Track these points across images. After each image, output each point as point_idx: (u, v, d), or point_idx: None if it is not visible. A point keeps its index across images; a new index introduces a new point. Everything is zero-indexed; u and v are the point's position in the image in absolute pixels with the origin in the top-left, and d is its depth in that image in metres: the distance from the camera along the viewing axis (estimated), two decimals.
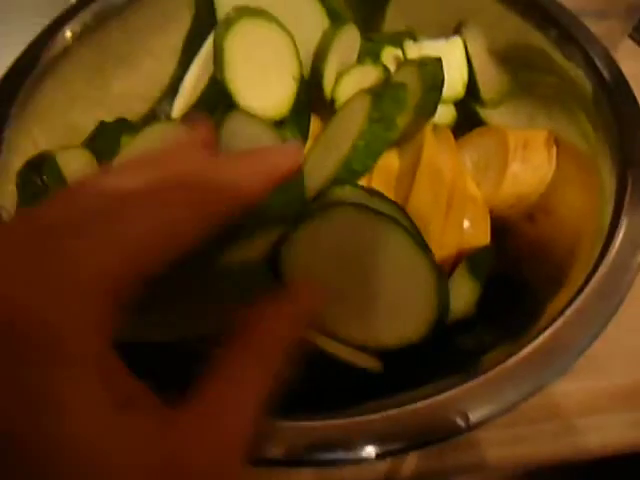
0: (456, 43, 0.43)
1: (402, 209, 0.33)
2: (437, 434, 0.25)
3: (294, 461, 0.25)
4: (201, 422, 0.19)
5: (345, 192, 0.34)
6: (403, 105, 0.36)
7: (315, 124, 0.40)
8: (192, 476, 0.18)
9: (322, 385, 0.30)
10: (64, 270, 0.18)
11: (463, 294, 0.33)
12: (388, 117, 0.35)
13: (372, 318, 0.31)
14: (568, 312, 0.27)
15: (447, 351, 0.32)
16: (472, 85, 0.44)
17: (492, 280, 0.34)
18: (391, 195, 0.36)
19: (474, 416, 0.25)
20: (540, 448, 0.36)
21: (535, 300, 0.31)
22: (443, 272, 0.31)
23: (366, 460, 0.25)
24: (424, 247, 0.31)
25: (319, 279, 0.32)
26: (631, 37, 0.53)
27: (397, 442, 0.25)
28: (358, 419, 0.25)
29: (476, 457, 0.36)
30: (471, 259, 0.34)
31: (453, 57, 0.43)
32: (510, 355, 0.26)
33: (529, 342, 0.27)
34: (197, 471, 0.18)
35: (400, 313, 0.30)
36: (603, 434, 0.36)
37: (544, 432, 0.37)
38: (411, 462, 0.36)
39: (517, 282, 0.35)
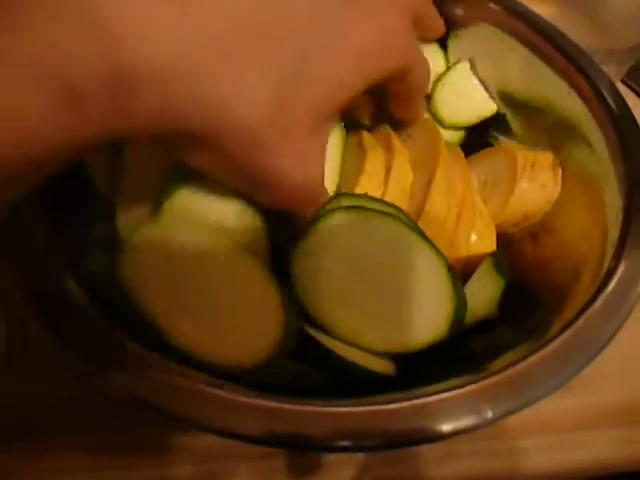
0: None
1: (402, 210, 0.34)
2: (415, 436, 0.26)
3: (270, 441, 0.26)
4: None
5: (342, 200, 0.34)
6: None
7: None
8: None
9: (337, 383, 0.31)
10: None
11: (487, 291, 0.34)
12: None
13: (391, 322, 0.31)
14: (582, 318, 0.28)
15: (463, 352, 0.33)
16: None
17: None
18: (405, 208, 0.36)
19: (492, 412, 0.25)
20: (534, 462, 0.37)
21: (544, 310, 0.32)
22: (454, 268, 0.32)
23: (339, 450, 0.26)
24: (430, 243, 0.32)
25: (333, 285, 0.32)
26: (623, 82, 0.56)
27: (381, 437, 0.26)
28: (341, 410, 0.26)
29: (467, 469, 0.36)
30: (495, 255, 0.34)
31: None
32: (527, 355, 0.27)
33: (544, 345, 0.28)
34: None
35: (421, 313, 0.30)
36: (596, 450, 0.37)
37: (538, 446, 0.37)
38: (382, 470, 0.36)
39: (525, 293, 0.36)
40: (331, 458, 0.36)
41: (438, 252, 0.31)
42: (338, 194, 0.33)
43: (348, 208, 0.31)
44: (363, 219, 0.31)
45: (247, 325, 0.29)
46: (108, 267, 0.31)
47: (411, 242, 0.31)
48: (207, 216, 0.31)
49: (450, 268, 0.31)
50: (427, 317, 0.31)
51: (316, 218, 0.31)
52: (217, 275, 0.30)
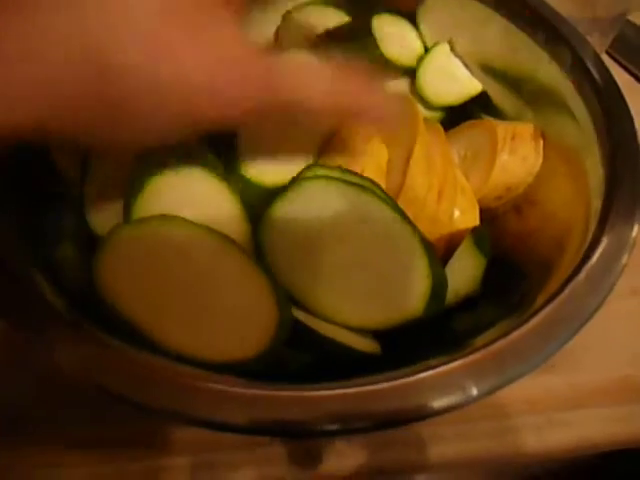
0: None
1: (376, 183, 0.33)
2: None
3: (256, 429, 0.25)
4: None
5: (316, 171, 0.33)
6: None
7: None
8: None
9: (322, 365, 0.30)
10: None
11: (469, 269, 0.33)
12: None
13: (367, 297, 0.30)
14: (564, 292, 0.27)
15: (445, 332, 0.32)
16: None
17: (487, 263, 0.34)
18: (382, 185, 0.35)
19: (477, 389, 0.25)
20: (522, 442, 0.36)
21: (528, 283, 0.31)
22: (431, 244, 0.31)
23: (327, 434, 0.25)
24: (405, 218, 0.31)
25: (303, 259, 0.31)
26: (608, 53, 0.55)
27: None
28: (325, 393, 0.25)
29: (457, 450, 0.36)
30: (475, 233, 0.34)
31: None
32: (510, 331, 0.26)
33: (527, 319, 0.27)
34: None
35: (394, 287, 0.29)
36: (583, 429, 0.36)
37: (525, 426, 0.36)
38: (374, 456, 0.36)
39: (510, 267, 0.35)
40: (327, 445, 0.35)
41: (413, 227, 0.30)
42: (311, 165, 0.32)
43: (319, 177, 0.30)
44: (335, 189, 0.30)
45: (239, 320, 0.28)
46: (79, 262, 0.30)
47: (385, 215, 0.30)
48: (182, 209, 0.30)
49: (426, 244, 0.30)
50: (403, 293, 0.30)
51: (287, 186, 0.30)
52: (202, 270, 0.28)
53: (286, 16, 0.42)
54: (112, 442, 0.35)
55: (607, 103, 0.35)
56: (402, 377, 0.25)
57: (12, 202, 0.32)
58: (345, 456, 0.35)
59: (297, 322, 0.29)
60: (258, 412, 0.24)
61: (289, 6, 0.42)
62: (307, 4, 0.42)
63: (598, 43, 0.52)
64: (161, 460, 0.34)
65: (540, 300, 0.28)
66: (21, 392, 0.35)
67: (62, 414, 0.35)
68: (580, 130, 0.35)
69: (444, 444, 0.35)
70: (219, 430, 0.24)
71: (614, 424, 0.37)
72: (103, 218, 0.33)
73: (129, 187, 0.31)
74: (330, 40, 0.40)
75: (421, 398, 0.25)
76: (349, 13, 0.43)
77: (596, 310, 0.27)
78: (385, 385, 0.25)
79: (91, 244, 0.32)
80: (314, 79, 0.27)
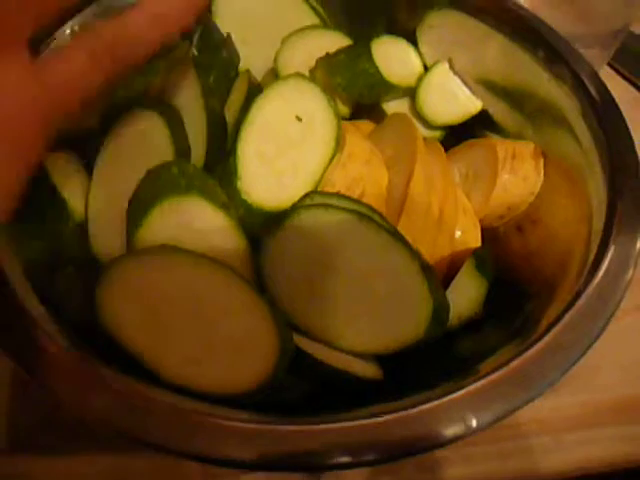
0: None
1: (373, 209, 0.32)
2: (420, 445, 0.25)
3: (265, 466, 0.24)
4: None
5: (314, 198, 0.33)
6: None
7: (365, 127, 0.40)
8: None
9: (323, 391, 0.29)
10: None
11: (471, 292, 0.33)
12: None
13: (368, 322, 0.30)
14: (567, 315, 0.27)
15: (449, 356, 0.32)
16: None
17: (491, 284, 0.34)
18: (383, 208, 0.35)
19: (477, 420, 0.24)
20: (529, 463, 0.36)
21: (532, 304, 0.31)
22: (432, 268, 0.31)
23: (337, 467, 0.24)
24: (405, 243, 0.31)
25: (304, 287, 0.31)
26: (610, 65, 0.55)
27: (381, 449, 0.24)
28: (334, 426, 0.25)
29: (463, 472, 0.35)
30: (477, 256, 0.34)
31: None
32: (514, 357, 0.26)
33: (531, 345, 0.26)
34: None
35: (395, 312, 0.29)
36: (591, 449, 0.36)
37: (533, 447, 0.36)
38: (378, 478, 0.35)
39: (513, 288, 0.35)
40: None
41: (413, 252, 0.30)
42: (310, 192, 0.32)
43: (318, 206, 0.30)
44: (334, 218, 0.30)
45: (240, 351, 0.28)
46: (81, 290, 0.30)
47: (384, 242, 0.30)
48: (184, 238, 0.30)
49: (427, 269, 0.30)
50: (405, 317, 0.30)
51: (286, 214, 0.30)
52: (203, 300, 0.28)
53: (286, 40, 0.42)
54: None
55: (605, 121, 0.35)
56: (407, 408, 0.25)
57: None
58: (347, 478, 0.35)
59: (298, 349, 0.29)
60: (263, 447, 0.24)
61: (289, 30, 0.42)
62: (307, 28, 0.42)
63: (599, 56, 0.52)
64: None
65: (544, 323, 0.28)
66: (32, 415, 0.36)
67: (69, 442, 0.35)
68: (581, 148, 0.35)
69: (451, 466, 0.35)
70: (223, 466, 0.24)
71: (625, 444, 0.36)
72: (106, 245, 0.33)
73: (131, 216, 0.32)
74: (330, 63, 0.41)
75: (428, 430, 0.25)
76: (350, 36, 0.43)
77: (599, 334, 0.27)
78: (394, 416, 0.25)
79: (92, 271, 0.32)
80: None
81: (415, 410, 0.25)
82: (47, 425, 0.35)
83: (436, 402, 0.25)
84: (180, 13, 0.27)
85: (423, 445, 0.25)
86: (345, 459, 0.24)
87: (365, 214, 0.30)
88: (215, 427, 0.24)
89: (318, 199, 0.31)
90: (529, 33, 0.40)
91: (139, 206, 0.31)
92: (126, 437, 0.24)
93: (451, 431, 0.25)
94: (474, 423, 0.24)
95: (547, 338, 0.27)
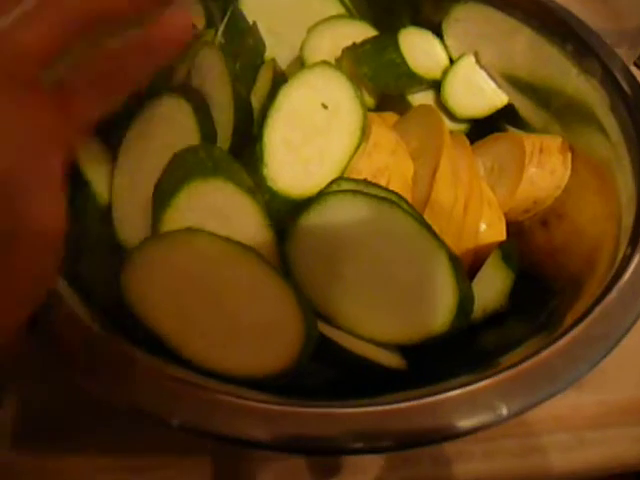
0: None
1: (401, 197, 0.32)
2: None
3: (281, 447, 0.25)
4: None
5: (342, 184, 0.33)
6: None
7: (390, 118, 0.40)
8: None
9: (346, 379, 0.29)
10: None
11: (497, 284, 0.32)
12: None
13: (392, 312, 0.30)
14: (597, 309, 0.27)
15: (472, 349, 0.31)
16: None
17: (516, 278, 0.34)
18: (408, 199, 0.35)
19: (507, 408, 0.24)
20: (550, 461, 0.35)
21: (558, 300, 0.31)
22: (459, 258, 0.30)
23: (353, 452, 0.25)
24: (432, 231, 0.30)
25: (329, 273, 0.31)
26: (636, 65, 0.54)
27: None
28: (351, 410, 0.25)
29: (484, 468, 0.35)
30: (503, 247, 0.33)
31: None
32: (541, 349, 0.26)
33: (558, 338, 0.26)
34: None
35: (420, 302, 0.29)
36: (613, 448, 0.35)
37: (554, 445, 0.36)
38: (397, 472, 0.35)
39: (539, 283, 0.34)
40: (352, 458, 0.35)
41: (440, 241, 0.30)
42: (338, 178, 0.32)
43: (345, 191, 0.30)
44: (361, 204, 0.30)
45: (266, 335, 0.28)
46: (106, 274, 0.30)
47: (411, 230, 0.30)
48: (209, 222, 0.30)
49: (453, 258, 0.30)
50: (429, 308, 0.29)
51: (314, 200, 0.30)
52: (229, 284, 0.28)
53: (313, 29, 0.42)
54: (136, 450, 0.35)
55: (636, 115, 0.34)
56: (430, 395, 0.25)
57: None
58: (367, 472, 0.35)
59: (322, 336, 0.29)
60: (281, 428, 0.24)
61: (315, 19, 0.42)
62: (334, 17, 0.42)
63: (626, 55, 0.52)
64: (183, 470, 0.34)
65: (570, 318, 0.28)
66: (54, 401, 0.35)
67: (84, 421, 0.35)
68: (610, 144, 0.35)
69: (471, 462, 0.35)
70: (242, 446, 0.24)
71: None
72: (131, 230, 0.33)
73: (157, 199, 0.32)
74: (357, 53, 0.40)
75: (449, 418, 0.24)
76: (376, 27, 0.43)
77: (629, 329, 0.27)
78: (413, 403, 0.25)
79: (117, 254, 0.32)
80: None
81: (438, 398, 0.25)
82: (53, 424, 0.35)
83: (461, 390, 0.25)
84: None
85: (442, 434, 0.24)
86: (361, 444, 0.24)
87: (394, 201, 0.30)
88: (233, 407, 0.24)
89: (345, 186, 0.31)
90: (558, 26, 0.39)
91: (166, 189, 0.31)
92: (148, 417, 0.24)
93: (474, 420, 0.24)
94: (499, 412, 0.24)
95: (575, 331, 0.26)
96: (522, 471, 0.35)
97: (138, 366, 0.25)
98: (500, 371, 0.25)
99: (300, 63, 0.42)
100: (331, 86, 0.35)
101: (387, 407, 0.25)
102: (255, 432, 0.24)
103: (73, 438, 0.35)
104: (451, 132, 0.40)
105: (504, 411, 0.24)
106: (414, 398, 0.25)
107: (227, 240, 0.28)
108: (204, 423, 0.24)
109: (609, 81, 0.36)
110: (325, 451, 0.27)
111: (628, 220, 0.31)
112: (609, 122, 0.35)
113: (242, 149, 0.35)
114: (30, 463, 0.34)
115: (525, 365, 0.26)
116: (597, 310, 0.27)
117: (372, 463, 0.35)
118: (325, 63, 0.36)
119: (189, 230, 0.29)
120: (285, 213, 0.32)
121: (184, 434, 0.24)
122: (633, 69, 0.54)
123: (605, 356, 0.26)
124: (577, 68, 0.38)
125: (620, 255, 0.30)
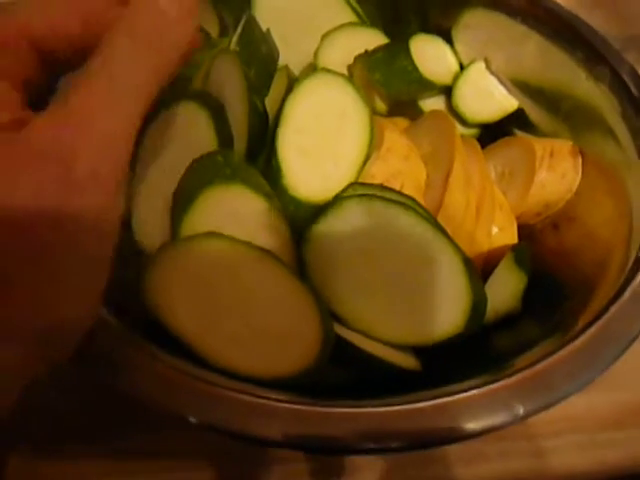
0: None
1: (415, 200, 0.33)
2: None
3: (291, 445, 0.25)
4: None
5: (357, 189, 0.33)
6: None
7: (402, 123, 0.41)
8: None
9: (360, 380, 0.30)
10: None
11: (510, 286, 0.33)
12: None
13: (407, 314, 0.31)
14: (610, 311, 0.27)
15: (485, 351, 0.32)
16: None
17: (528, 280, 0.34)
18: (421, 203, 0.36)
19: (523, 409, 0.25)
20: (563, 461, 0.35)
21: (570, 302, 0.31)
22: (472, 262, 0.31)
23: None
24: (446, 235, 0.31)
25: (345, 276, 0.31)
26: None
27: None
28: (364, 410, 0.25)
29: (498, 468, 0.35)
30: (517, 250, 0.34)
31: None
32: (556, 350, 0.26)
33: (573, 338, 0.27)
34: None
35: (434, 304, 0.30)
36: (627, 449, 0.36)
37: (568, 446, 0.36)
38: (412, 473, 0.35)
39: (551, 286, 0.35)
40: (358, 459, 0.36)
41: (454, 245, 0.30)
42: (353, 183, 0.33)
43: (361, 196, 0.30)
44: (376, 208, 0.30)
45: (284, 337, 0.29)
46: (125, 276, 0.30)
47: (426, 233, 0.30)
48: (229, 226, 0.30)
49: (467, 261, 0.30)
50: (443, 310, 0.30)
51: (329, 204, 0.31)
52: (248, 287, 0.29)
53: (326, 36, 0.42)
54: (139, 453, 0.35)
55: None
56: (446, 396, 0.26)
57: None
58: (378, 472, 0.35)
59: (338, 338, 0.30)
60: (296, 428, 0.25)
61: (327, 27, 0.43)
62: (346, 25, 0.43)
63: (635, 60, 0.52)
64: (186, 473, 0.35)
65: (583, 320, 0.28)
66: (68, 402, 0.36)
67: (87, 422, 0.36)
68: (620, 148, 0.35)
69: (485, 462, 0.35)
70: (256, 444, 0.25)
71: None
72: (150, 235, 0.34)
73: (176, 204, 0.32)
74: (369, 60, 0.41)
75: (466, 417, 0.25)
76: (387, 34, 0.44)
77: None
78: (429, 404, 0.25)
79: (136, 259, 0.33)
80: None
81: (452, 399, 0.25)
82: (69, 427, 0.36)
83: (477, 391, 0.25)
84: None
85: (455, 435, 0.25)
86: (377, 444, 0.25)
87: (410, 205, 0.30)
88: (250, 405, 0.25)
89: (361, 190, 0.32)
90: (567, 32, 0.40)
91: (185, 194, 0.31)
92: (167, 415, 0.25)
93: (492, 419, 0.25)
94: (520, 410, 0.24)
95: (590, 332, 0.27)
96: (537, 471, 0.35)
97: (157, 365, 0.26)
98: (516, 371, 0.26)
99: (313, 69, 0.42)
100: (333, 90, 0.36)
101: (402, 407, 0.25)
102: (264, 430, 0.25)
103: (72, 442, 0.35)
104: (462, 137, 0.40)
105: (521, 411, 0.25)
106: (430, 398, 0.25)
107: (247, 244, 0.29)
108: (222, 422, 0.25)
109: (618, 85, 0.36)
110: (341, 450, 0.28)
111: (639, 222, 0.32)
112: (618, 126, 0.36)
113: (257, 155, 0.35)
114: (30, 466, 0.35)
115: (541, 365, 0.26)
116: (612, 310, 0.28)
117: (378, 463, 0.35)
118: (323, 69, 0.36)
119: (209, 234, 0.29)
120: (302, 217, 0.32)
121: (200, 432, 0.25)
122: None
123: (620, 356, 0.27)
124: (586, 73, 0.38)
125: (632, 256, 0.30)
